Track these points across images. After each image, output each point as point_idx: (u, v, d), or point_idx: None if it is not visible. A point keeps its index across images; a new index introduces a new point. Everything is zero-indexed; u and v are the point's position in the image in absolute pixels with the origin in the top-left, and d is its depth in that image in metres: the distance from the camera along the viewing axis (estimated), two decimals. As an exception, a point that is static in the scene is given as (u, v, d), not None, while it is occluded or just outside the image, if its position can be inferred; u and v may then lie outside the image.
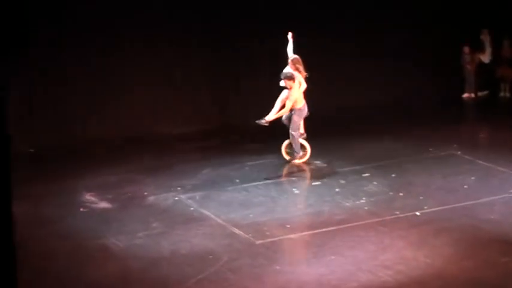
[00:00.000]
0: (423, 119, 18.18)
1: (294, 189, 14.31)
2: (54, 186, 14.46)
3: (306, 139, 15.61)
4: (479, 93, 19.86)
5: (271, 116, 15.15)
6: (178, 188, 14.34)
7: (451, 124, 18.13)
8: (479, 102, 19.89)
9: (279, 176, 15.18)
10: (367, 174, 14.85)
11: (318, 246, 12.02)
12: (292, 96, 15.04)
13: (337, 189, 14.27)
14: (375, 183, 14.49)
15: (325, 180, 14.71)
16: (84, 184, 14.58)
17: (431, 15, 19.67)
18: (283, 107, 15.10)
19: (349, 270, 11.30)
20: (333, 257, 11.65)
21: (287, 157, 15.64)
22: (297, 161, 15.54)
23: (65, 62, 17.62)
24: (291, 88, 15.06)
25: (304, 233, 12.51)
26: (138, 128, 18.07)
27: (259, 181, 14.74)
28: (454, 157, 15.76)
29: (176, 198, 13.96)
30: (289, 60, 15.56)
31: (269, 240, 12.26)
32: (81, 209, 13.63)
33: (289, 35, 15.84)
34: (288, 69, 15.41)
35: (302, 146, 15.54)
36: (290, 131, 15.25)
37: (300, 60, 15.55)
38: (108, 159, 15.60)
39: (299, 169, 15.38)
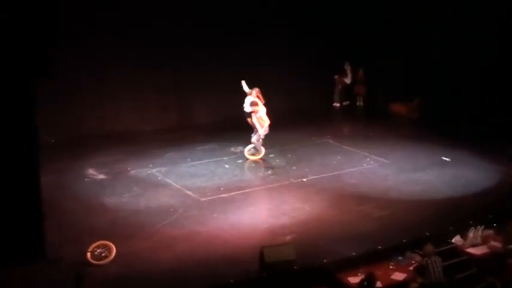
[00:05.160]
0: (308, 118, 18.04)
1: (225, 165, 14.25)
2: (68, 164, 14.14)
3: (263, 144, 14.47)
4: (344, 103, 20.03)
5: (261, 132, 14.12)
6: (150, 165, 14.15)
7: (325, 122, 18.18)
8: (344, 109, 20.02)
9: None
10: (272, 155, 14.81)
11: (241, 201, 12.13)
12: (263, 116, 14.07)
13: (253, 165, 14.31)
14: (277, 160, 14.53)
15: (245, 158, 14.63)
16: (88, 163, 14.28)
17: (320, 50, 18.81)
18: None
19: (262, 216, 11.48)
20: (251, 208, 11.79)
21: (249, 156, 14.40)
22: (254, 158, 14.40)
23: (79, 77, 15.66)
24: (256, 112, 14.01)
25: (232, 193, 12.51)
26: (120, 126, 16.56)
27: (203, 160, 14.58)
28: (327, 144, 15.85)
29: (149, 172, 13.81)
30: (252, 91, 14.02)
31: (209, 198, 12.31)
32: (86, 179, 13.43)
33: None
34: (250, 98, 14.05)
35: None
36: (255, 139, 14.27)
37: (259, 90, 14.13)
38: (105, 147, 15.26)
39: (230, 152, 15.02)
